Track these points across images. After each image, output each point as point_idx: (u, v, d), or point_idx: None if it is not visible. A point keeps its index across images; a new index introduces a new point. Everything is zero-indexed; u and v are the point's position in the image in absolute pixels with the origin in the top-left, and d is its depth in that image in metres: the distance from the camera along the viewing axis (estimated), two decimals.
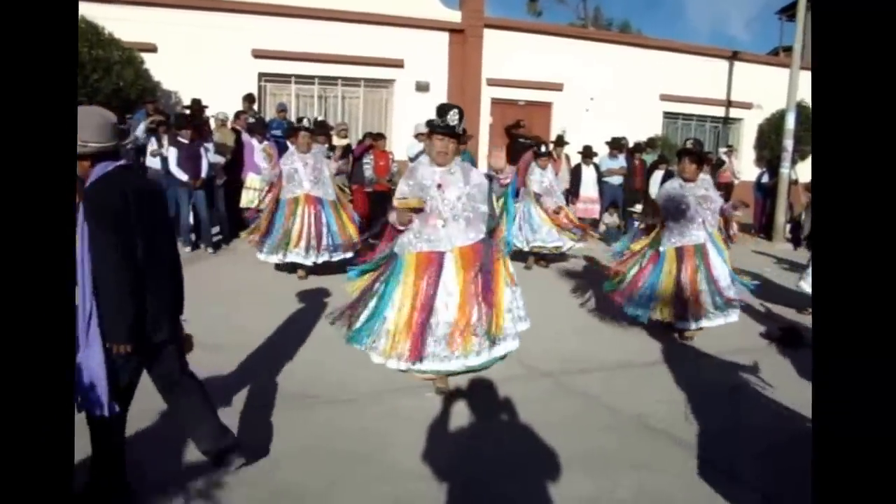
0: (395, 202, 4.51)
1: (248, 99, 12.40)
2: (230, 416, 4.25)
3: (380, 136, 12.36)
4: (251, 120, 11.76)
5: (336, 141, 11.81)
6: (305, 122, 8.60)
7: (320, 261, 8.26)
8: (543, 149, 9.91)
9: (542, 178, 9.72)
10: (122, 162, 3.12)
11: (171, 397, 3.42)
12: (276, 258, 8.30)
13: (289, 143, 11.24)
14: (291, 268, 8.55)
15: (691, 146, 6.29)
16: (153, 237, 3.09)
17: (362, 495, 3.45)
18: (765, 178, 15.00)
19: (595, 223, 13.33)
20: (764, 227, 14.96)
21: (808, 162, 15.29)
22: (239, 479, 3.51)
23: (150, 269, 3.05)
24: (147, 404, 4.33)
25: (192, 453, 3.69)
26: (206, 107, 11.26)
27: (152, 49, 12.65)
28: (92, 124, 2.97)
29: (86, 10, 11.43)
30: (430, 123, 4.47)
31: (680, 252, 6.15)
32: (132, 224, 2.96)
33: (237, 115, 11.83)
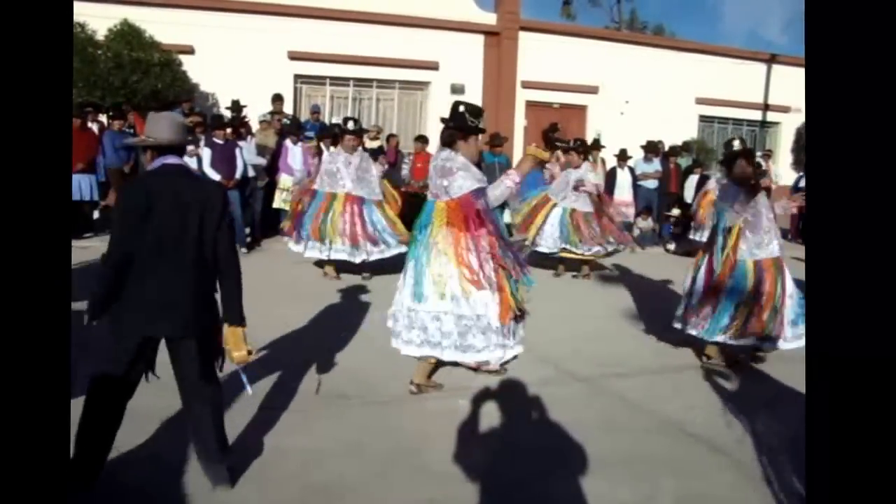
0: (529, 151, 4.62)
1: (278, 99, 12.40)
2: (265, 415, 4.28)
3: (422, 139, 12.36)
4: (285, 121, 11.83)
5: (368, 143, 11.82)
6: (351, 125, 8.48)
7: (372, 258, 8.25)
8: (573, 143, 9.60)
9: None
10: (175, 161, 3.26)
11: (185, 399, 3.37)
12: (317, 253, 8.27)
13: (321, 145, 11.30)
14: (342, 266, 8.52)
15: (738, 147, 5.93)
16: (177, 235, 3.10)
17: (398, 496, 3.44)
18: (802, 183, 14.76)
19: (629, 227, 13.19)
20: (801, 232, 14.71)
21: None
22: (278, 476, 3.52)
23: (161, 262, 3.07)
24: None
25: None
26: (244, 106, 11.35)
27: (189, 51, 12.81)
28: (159, 125, 3.22)
29: (128, 13, 11.66)
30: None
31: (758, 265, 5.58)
32: (143, 217, 3.03)
33: (271, 115, 11.90)
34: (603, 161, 13.31)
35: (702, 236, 9.86)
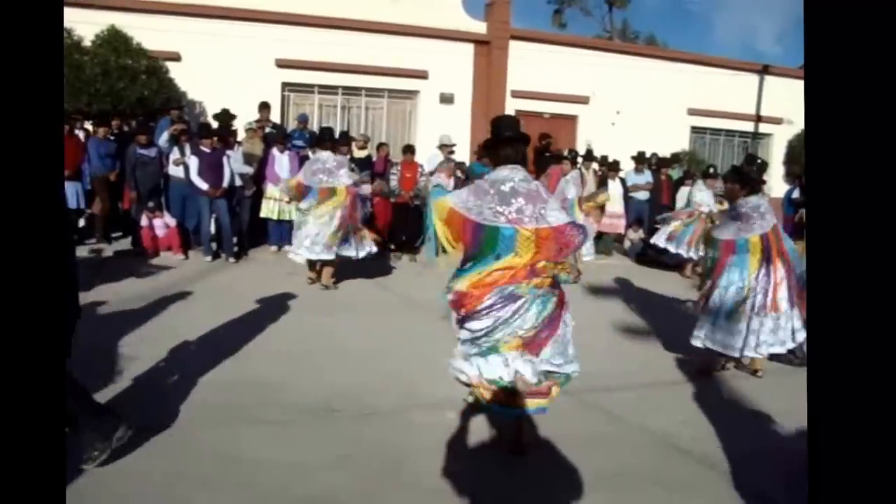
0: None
1: (265, 107, 12.19)
2: (250, 428, 4.17)
3: (410, 149, 12.22)
4: (269, 130, 11.66)
5: (356, 153, 11.69)
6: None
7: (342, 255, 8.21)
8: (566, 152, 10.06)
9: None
10: None
11: None
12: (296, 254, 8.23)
13: (310, 154, 11.17)
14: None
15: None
16: None
17: None
18: (795, 194, 14.76)
19: (620, 239, 13.13)
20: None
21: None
22: (262, 490, 3.44)
23: None
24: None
25: (210, 459, 3.59)
26: (234, 116, 11.23)
27: (176, 58, 12.69)
28: None
29: (115, 20, 11.55)
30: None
31: None
32: None
33: (257, 123, 11.72)
34: (595, 172, 13.24)
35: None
